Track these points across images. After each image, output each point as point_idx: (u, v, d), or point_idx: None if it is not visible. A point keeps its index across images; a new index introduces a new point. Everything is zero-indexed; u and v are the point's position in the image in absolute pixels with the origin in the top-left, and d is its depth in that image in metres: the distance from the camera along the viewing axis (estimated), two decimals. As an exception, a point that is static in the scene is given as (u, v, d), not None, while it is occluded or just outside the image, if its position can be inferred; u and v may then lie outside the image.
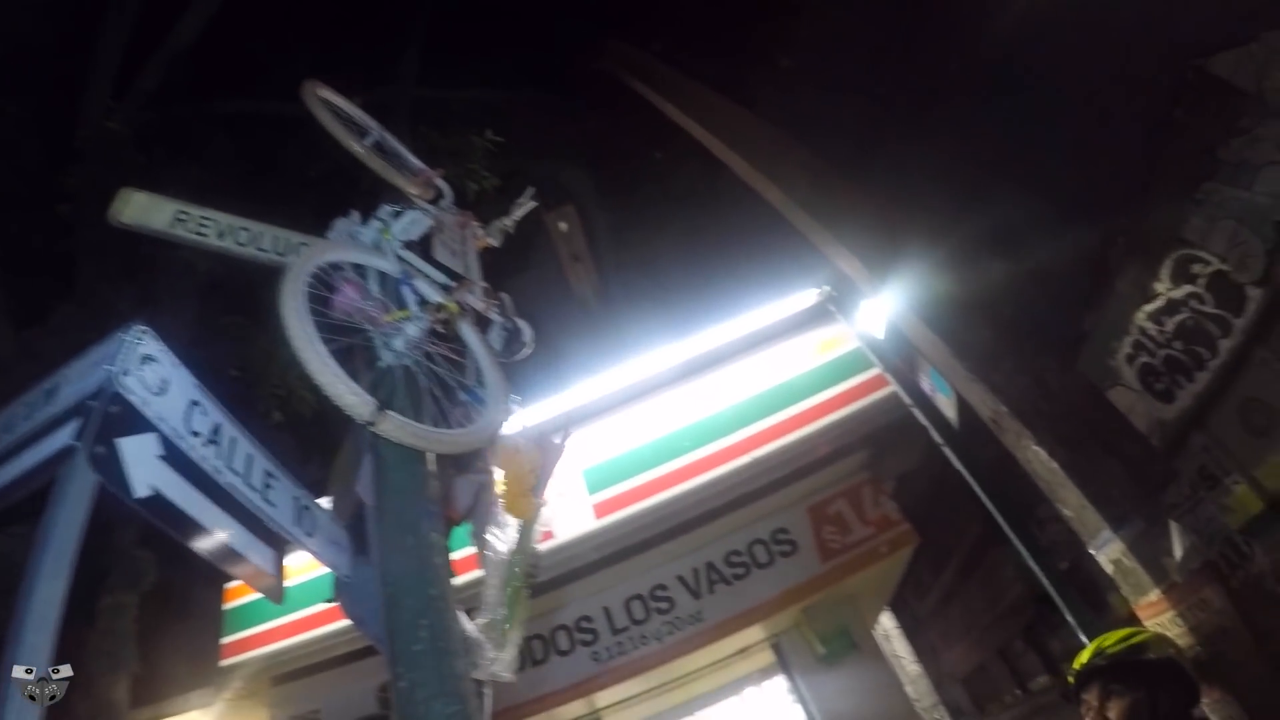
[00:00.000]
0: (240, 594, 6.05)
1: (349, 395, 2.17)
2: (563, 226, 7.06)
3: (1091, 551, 3.85)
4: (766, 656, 6.09)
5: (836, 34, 5.82)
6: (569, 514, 5.84)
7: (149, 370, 2.61)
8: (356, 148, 3.52)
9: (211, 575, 5.52)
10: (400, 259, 2.98)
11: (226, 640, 6.06)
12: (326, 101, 3.65)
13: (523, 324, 3.37)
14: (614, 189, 7.84)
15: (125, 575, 5.51)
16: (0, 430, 2.70)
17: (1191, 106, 4.96)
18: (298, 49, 6.06)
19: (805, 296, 5.79)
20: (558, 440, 3.30)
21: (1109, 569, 3.81)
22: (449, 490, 3.17)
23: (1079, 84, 5.15)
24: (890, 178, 5.63)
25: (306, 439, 6.08)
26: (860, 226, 4.93)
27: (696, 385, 6.08)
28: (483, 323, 3.28)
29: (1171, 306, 5.64)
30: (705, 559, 5.82)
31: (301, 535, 3.11)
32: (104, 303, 5.61)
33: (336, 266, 2.70)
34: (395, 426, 2.23)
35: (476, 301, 3.16)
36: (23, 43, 6.08)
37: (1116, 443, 3.88)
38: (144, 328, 2.68)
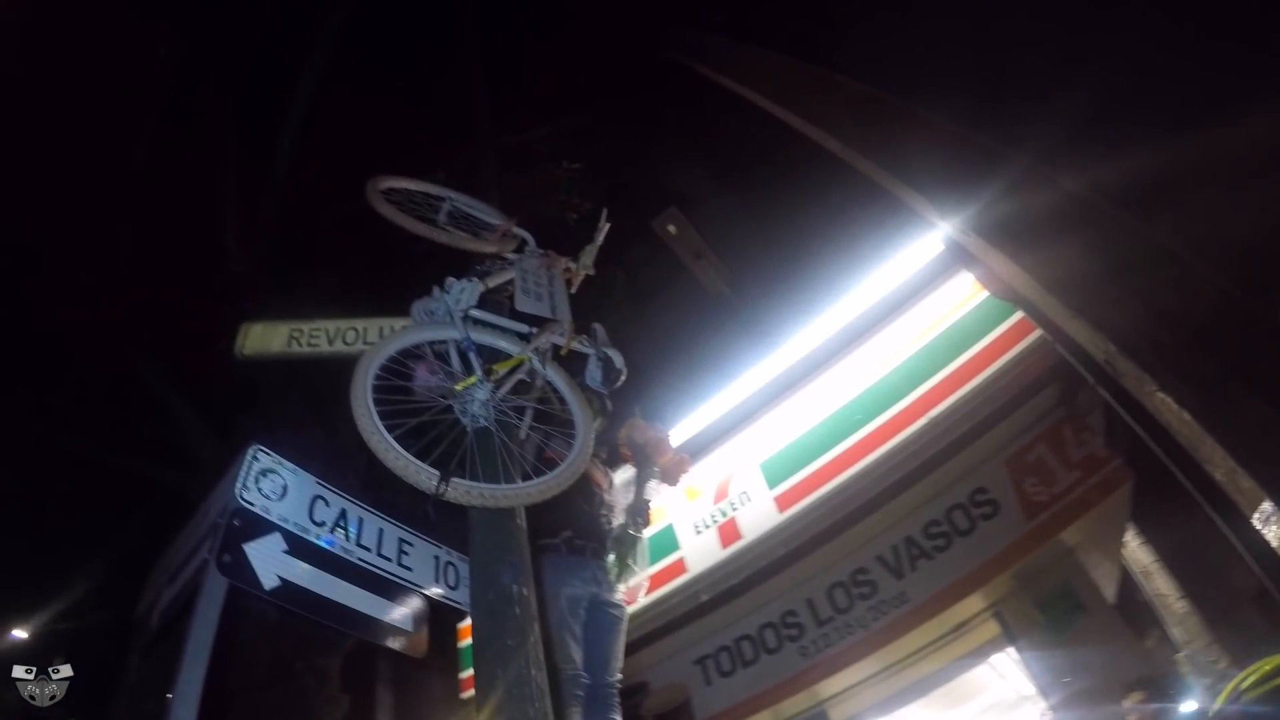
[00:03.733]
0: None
1: (414, 471, 2.36)
2: (671, 230, 6.91)
3: (1257, 527, 2.86)
4: (992, 628, 5.60)
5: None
6: (753, 512, 5.79)
7: (268, 481, 3.21)
8: (423, 230, 3.61)
9: (446, 623, 6.10)
10: (470, 322, 3.10)
11: (464, 674, 6.64)
12: (391, 190, 3.77)
13: (614, 353, 3.42)
14: (726, 174, 7.53)
15: (324, 643, 6.21)
16: (181, 545, 3.50)
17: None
18: (383, 139, 6.36)
19: (933, 242, 5.27)
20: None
21: (1281, 551, 2.73)
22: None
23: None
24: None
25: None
26: (914, 157, 4.13)
27: (855, 356, 5.77)
28: (574, 358, 3.35)
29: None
30: (904, 534, 5.46)
31: (444, 590, 3.82)
32: (276, 413, 6.30)
33: (408, 352, 2.90)
34: (462, 492, 2.41)
35: (560, 340, 3.23)
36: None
37: (1268, 374, 2.77)
38: (260, 447, 3.26)
